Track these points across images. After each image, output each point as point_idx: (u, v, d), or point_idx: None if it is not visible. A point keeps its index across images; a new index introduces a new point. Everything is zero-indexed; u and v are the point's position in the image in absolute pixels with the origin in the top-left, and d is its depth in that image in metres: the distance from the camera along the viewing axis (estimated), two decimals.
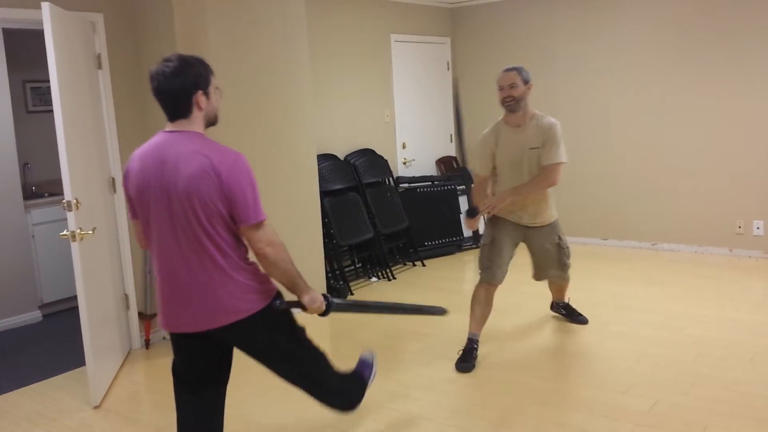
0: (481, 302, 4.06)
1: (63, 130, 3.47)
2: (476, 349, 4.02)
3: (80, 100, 3.89)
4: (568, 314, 4.61)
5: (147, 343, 4.59)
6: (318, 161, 5.46)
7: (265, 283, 2.41)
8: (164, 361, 4.36)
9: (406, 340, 4.47)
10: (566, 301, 4.63)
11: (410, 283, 5.88)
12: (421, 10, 7.14)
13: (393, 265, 6.25)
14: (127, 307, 4.52)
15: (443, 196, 6.91)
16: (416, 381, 3.79)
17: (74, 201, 3.52)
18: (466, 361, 3.94)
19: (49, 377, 4.14)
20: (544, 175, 3.84)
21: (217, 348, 2.51)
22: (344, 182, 5.92)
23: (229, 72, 4.46)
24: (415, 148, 7.17)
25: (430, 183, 6.91)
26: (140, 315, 4.58)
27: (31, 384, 4.06)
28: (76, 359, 4.21)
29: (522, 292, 5.38)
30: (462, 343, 4.10)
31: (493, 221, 4.13)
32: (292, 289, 2.42)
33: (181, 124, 2.30)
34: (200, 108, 2.31)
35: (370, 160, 6.35)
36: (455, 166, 7.55)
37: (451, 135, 7.65)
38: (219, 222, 2.24)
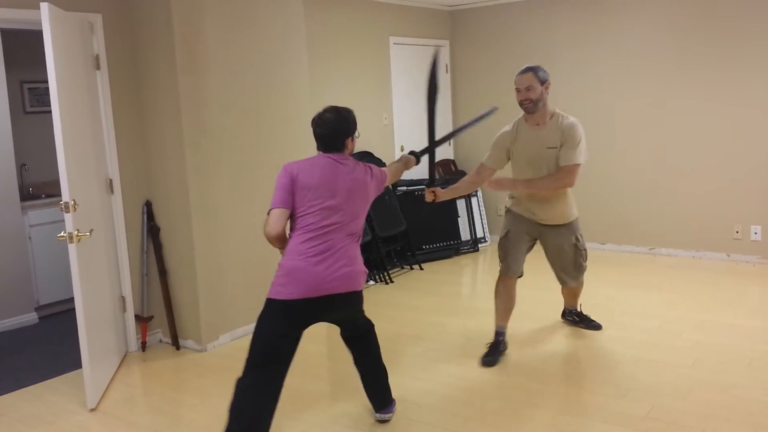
0: (502, 296, 4.14)
1: (61, 131, 3.45)
2: (502, 342, 4.12)
3: (78, 101, 3.88)
4: (581, 321, 4.55)
5: (143, 346, 4.57)
6: None
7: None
8: (160, 363, 4.35)
9: (405, 345, 4.46)
10: (578, 308, 4.58)
11: (408, 287, 5.87)
12: (420, 13, 7.15)
13: (391, 269, 6.24)
14: (124, 309, 4.51)
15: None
16: (415, 385, 3.78)
17: (72, 202, 3.50)
18: (491, 355, 4.04)
19: (46, 379, 4.13)
20: (560, 175, 3.82)
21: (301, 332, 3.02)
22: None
23: (228, 73, 4.46)
24: None
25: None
26: (137, 317, 4.57)
27: (27, 386, 4.04)
28: (73, 361, 4.19)
29: (520, 296, 5.38)
30: (461, 347, 4.10)
31: (509, 215, 4.16)
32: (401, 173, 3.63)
33: (335, 155, 3.07)
34: (347, 147, 3.12)
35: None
36: (453, 169, 7.55)
37: None
38: (361, 220, 3.11)
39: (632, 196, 6.52)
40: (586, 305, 4.71)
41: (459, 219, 7.01)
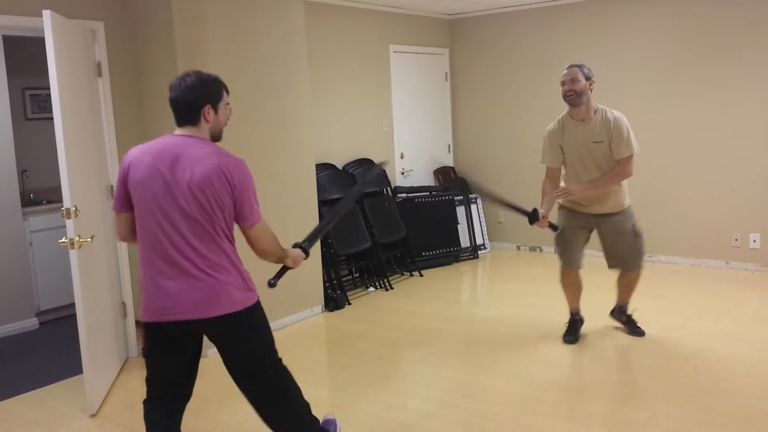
0: (568, 286, 4.43)
1: (63, 138, 3.47)
2: (578, 321, 4.46)
3: (80, 108, 3.90)
4: (628, 323, 4.55)
5: (143, 351, 4.57)
6: (316, 171, 5.47)
7: (250, 281, 2.59)
8: None
9: (403, 350, 4.46)
10: (630, 312, 4.56)
11: (408, 294, 5.88)
12: (420, 21, 7.18)
13: (390, 275, 6.25)
14: (125, 315, 4.52)
15: (441, 206, 6.92)
16: (413, 391, 3.79)
17: (73, 208, 3.52)
18: (571, 334, 4.38)
19: (46, 385, 4.13)
20: (618, 169, 4.02)
21: (196, 343, 2.63)
22: (342, 192, 5.93)
23: (229, 81, 4.42)
24: (413, 159, 7.19)
25: (428, 193, 6.93)
26: (138, 323, 4.57)
27: (27, 392, 4.04)
28: (73, 367, 4.19)
29: (524, 304, 5.38)
30: (461, 354, 4.09)
31: (563, 211, 4.32)
32: (279, 262, 2.70)
33: (189, 130, 2.52)
34: (206, 120, 2.53)
35: (368, 170, 6.36)
36: (453, 176, 7.57)
37: (449, 145, 7.68)
38: (225, 219, 2.47)
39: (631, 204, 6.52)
40: (585, 313, 4.72)
41: (459, 226, 7.02)
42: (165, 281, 2.45)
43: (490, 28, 7.28)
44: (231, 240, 2.53)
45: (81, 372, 3.72)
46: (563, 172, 4.29)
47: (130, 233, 2.58)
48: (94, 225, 3.95)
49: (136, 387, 4.11)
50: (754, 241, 5.99)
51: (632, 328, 4.52)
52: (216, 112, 2.54)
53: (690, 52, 6.09)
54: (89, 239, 3.66)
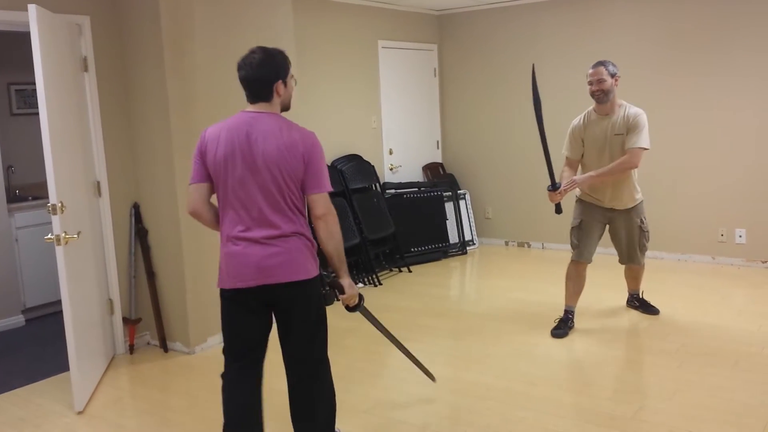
0: (573, 278, 4.53)
1: (48, 133, 3.44)
2: (572, 319, 4.52)
3: (66, 103, 3.87)
4: (641, 305, 4.88)
5: (131, 349, 4.55)
6: None
7: (316, 253, 2.68)
8: (148, 366, 4.33)
9: (392, 346, 4.46)
10: (641, 294, 4.89)
11: (396, 290, 5.88)
12: (409, 17, 7.17)
13: (379, 271, 6.25)
14: (112, 311, 4.49)
15: (430, 202, 6.93)
16: (402, 387, 3.79)
17: (59, 204, 3.49)
18: (561, 329, 4.45)
19: (32, 382, 4.10)
20: (626, 158, 4.19)
21: (269, 313, 2.70)
22: (334, 187, 5.92)
23: (216, 77, 4.46)
24: (401, 154, 7.19)
25: (416, 189, 6.93)
26: (125, 320, 4.55)
27: (13, 389, 4.01)
28: (60, 364, 4.17)
29: (512, 299, 5.40)
30: (449, 349, 4.09)
31: (580, 204, 4.52)
32: (338, 265, 2.70)
33: (262, 107, 2.61)
34: (279, 94, 2.62)
35: (356, 166, 6.36)
36: (441, 172, 7.58)
37: (437, 141, 7.68)
38: (297, 190, 2.57)
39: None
40: (577, 306, 4.74)
41: (447, 222, 7.03)
42: (243, 250, 2.55)
43: (478, 25, 7.28)
44: (303, 212, 2.62)
45: (68, 369, 3.70)
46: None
47: (203, 205, 2.64)
48: (81, 221, 3.92)
49: (123, 384, 4.09)
50: (740, 236, 6.04)
51: (646, 308, 4.85)
52: (285, 85, 2.62)
53: (678, 49, 6.12)
54: (76, 235, 3.64)
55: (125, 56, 4.44)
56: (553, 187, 4.25)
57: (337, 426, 2.88)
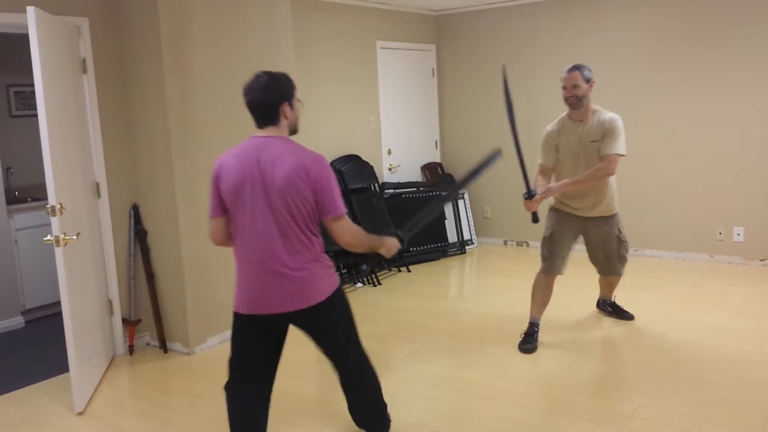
0: (542, 289, 4.33)
1: (47, 135, 3.45)
2: (537, 332, 4.31)
3: (65, 105, 3.88)
4: (615, 311, 4.74)
5: (131, 349, 4.56)
6: None
7: (333, 269, 2.76)
8: (148, 367, 4.34)
9: (392, 346, 4.48)
10: (613, 299, 4.76)
11: (396, 289, 5.89)
12: (407, 18, 7.18)
13: (378, 271, 6.26)
14: (111, 312, 4.50)
15: (428, 202, 6.90)
16: (403, 387, 3.80)
17: (58, 206, 3.50)
18: (529, 342, 4.25)
19: (32, 383, 4.11)
20: (601, 165, 4.04)
21: (281, 332, 2.79)
22: None
23: (215, 78, 4.47)
24: (400, 155, 7.20)
25: (415, 189, 6.94)
26: (124, 321, 4.56)
27: (13, 390, 4.02)
28: (60, 365, 4.17)
29: (511, 298, 5.41)
30: (449, 349, 4.11)
31: (554, 214, 4.34)
32: (370, 251, 2.83)
33: (270, 131, 2.64)
34: (286, 117, 2.64)
35: (355, 166, 6.37)
36: (440, 172, 7.59)
37: (436, 141, 7.69)
38: (309, 214, 2.59)
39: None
40: (571, 306, 4.76)
41: (446, 221, 7.04)
42: (258, 278, 2.61)
43: (476, 25, 7.29)
44: (316, 234, 2.64)
45: (67, 370, 3.71)
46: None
47: (225, 238, 2.71)
48: (80, 222, 3.93)
49: (123, 385, 4.10)
50: (738, 234, 6.05)
51: (620, 314, 4.70)
52: (292, 108, 2.65)
53: (675, 47, 6.13)
54: (75, 237, 3.64)
55: (124, 58, 4.44)
56: (529, 195, 4.05)
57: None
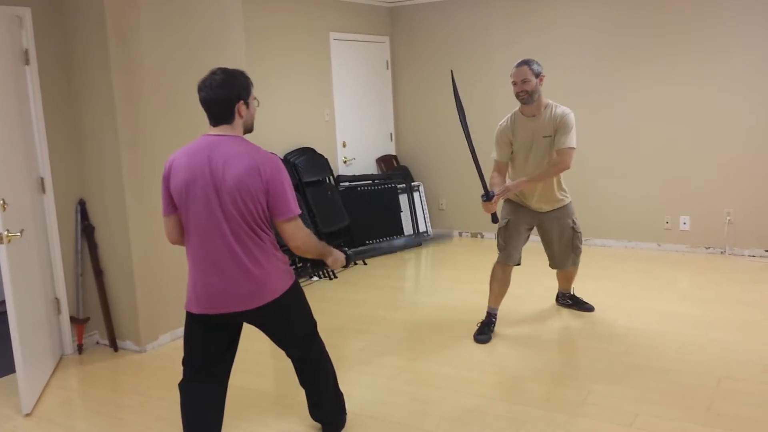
0: (499, 279, 4.33)
1: None
2: (494, 323, 4.34)
3: (6, 97, 3.75)
4: (575, 303, 4.77)
5: (80, 349, 4.45)
6: None
7: (287, 264, 2.76)
8: (98, 366, 4.24)
9: (349, 339, 4.47)
10: (572, 291, 4.78)
11: (351, 282, 5.88)
12: (361, 9, 7.15)
13: None
14: (59, 311, 4.38)
15: (384, 194, 6.95)
16: (359, 379, 3.80)
17: (1, 202, 3.38)
18: (484, 333, 4.27)
19: None
20: (557, 160, 4.06)
21: (235, 330, 2.80)
22: None
23: (164, 70, 4.37)
24: (355, 147, 7.18)
25: (370, 182, 6.94)
26: (72, 319, 4.44)
27: None
28: (6, 366, 4.05)
29: (466, 289, 5.46)
30: (405, 341, 4.12)
31: (508, 205, 4.34)
32: (317, 257, 2.84)
33: (224, 129, 2.59)
34: (241, 116, 2.59)
35: (310, 159, 6.32)
36: (395, 164, 7.60)
37: (391, 134, 7.70)
38: (261, 214, 2.55)
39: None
40: (523, 295, 4.82)
41: (402, 214, 7.06)
42: (210, 277, 2.58)
43: (429, 17, 7.31)
44: (267, 231, 2.61)
45: (14, 371, 3.61)
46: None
47: (179, 236, 2.68)
48: (24, 218, 3.81)
49: (72, 385, 4.00)
50: (684, 223, 6.22)
51: (580, 306, 4.74)
52: (248, 106, 2.60)
53: (621, 38, 6.25)
54: (19, 233, 3.53)
55: (69, 49, 4.31)
56: (487, 197, 4.02)
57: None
